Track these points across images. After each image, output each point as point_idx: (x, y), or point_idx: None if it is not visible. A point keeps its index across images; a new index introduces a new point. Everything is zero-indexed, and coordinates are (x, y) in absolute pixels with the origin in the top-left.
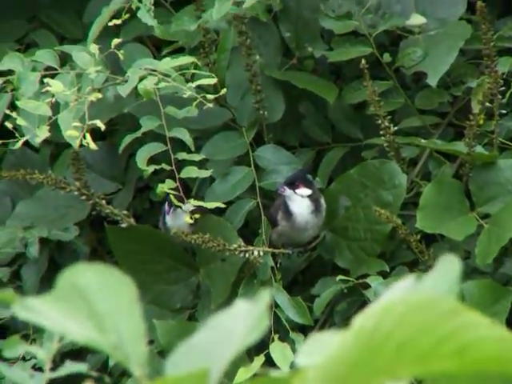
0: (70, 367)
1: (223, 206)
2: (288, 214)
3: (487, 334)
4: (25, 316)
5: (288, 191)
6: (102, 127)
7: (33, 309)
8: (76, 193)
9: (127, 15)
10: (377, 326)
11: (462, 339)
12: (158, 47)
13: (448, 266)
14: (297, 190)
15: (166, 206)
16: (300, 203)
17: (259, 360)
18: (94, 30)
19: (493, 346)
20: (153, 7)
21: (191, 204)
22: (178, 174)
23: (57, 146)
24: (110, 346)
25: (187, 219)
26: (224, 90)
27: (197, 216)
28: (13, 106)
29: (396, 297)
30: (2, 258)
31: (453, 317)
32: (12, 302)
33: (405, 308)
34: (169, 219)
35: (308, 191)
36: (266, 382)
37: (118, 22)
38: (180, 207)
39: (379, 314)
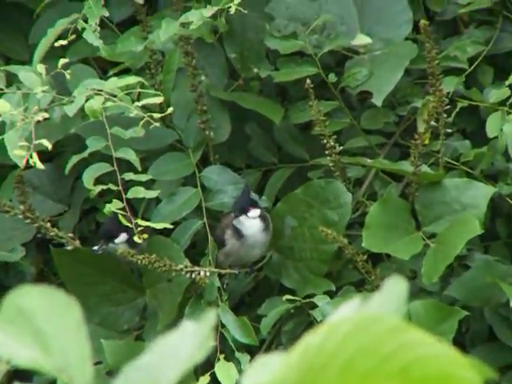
0: None
1: (171, 226)
2: (238, 234)
3: (431, 351)
4: None
5: (242, 217)
6: (49, 146)
7: None
8: (20, 216)
9: (73, 36)
10: (321, 346)
11: (406, 357)
12: (103, 69)
13: (394, 287)
14: (248, 214)
15: (95, 246)
16: (251, 223)
17: (205, 379)
18: (40, 51)
19: (437, 364)
20: (98, 28)
21: (125, 235)
22: (125, 194)
23: (2, 167)
24: (55, 369)
25: (136, 239)
26: (170, 109)
27: (145, 236)
28: None
29: (341, 317)
30: None
31: (396, 335)
32: None
33: (348, 327)
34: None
35: (257, 211)
36: None
37: (63, 42)
38: (113, 242)
39: (323, 334)
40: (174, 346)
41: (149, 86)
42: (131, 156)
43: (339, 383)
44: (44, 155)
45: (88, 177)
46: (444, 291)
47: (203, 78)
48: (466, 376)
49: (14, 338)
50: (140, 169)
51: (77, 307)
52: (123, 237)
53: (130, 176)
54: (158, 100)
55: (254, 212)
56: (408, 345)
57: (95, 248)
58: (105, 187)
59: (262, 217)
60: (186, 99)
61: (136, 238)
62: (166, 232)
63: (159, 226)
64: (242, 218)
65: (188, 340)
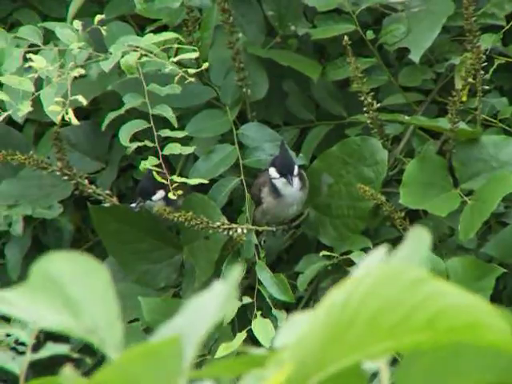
0: (52, 349)
1: (206, 182)
2: (275, 192)
3: (457, 301)
4: None
5: (282, 179)
6: (85, 102)
7: (3, 300)
8: (58, 173)
9: None
10: (347, 300)
11: (431, 309)
12: (141, 26)
13: (418, 239)
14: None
15: (133, 203)
16: (289, 184)
17: (241, 336)
18: (74, 6)
19: (464, 313)
20: None
21: (161, 192)
22: (162, 151)
23: (41, 124)
24: (85, 331)
25: (170, 195)
26: (206, 65)
27: (179, 192)
28: None
29: (365, 270)
30: None
31: (420, 287)
32: None
33: (373, 280)
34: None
35: (298, 170)
36: (243, 360)
37: None
38: (150, 199)
39: (349, 289)
40: (203, 304)
41: (186, 43)
42: (168, 113)
43: (366, 338)
44: (81, 112)
45: (124, 134)
46: (481, 249)
47: (240, 35)
48: (494, 323)
49: (43, 303)
50: (176, 126)
51: (105, 271)
52: (160, 194)
53: (166, 132)
54: (194, 55)
55: (296, 171)
56: (433, 296)
57: (133, 205)
58: (141, 144)
59: (299, 175)
60: (223, 56)
61: (170, 195)
62: (203, 190)
63: (194, 181)
64: (285, 180)
65: (216, 299)
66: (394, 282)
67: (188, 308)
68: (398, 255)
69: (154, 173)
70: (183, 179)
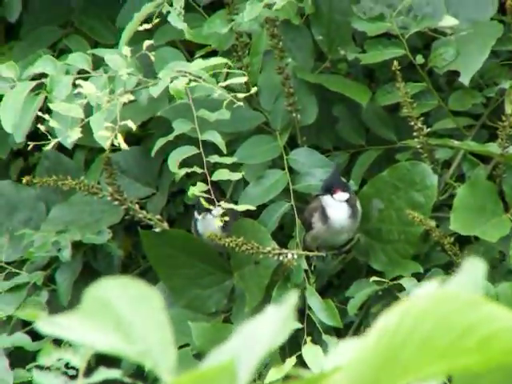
0: (104, 373)
1: (253, 208)
2: (325, 217)
3: (509, 324)
4: (49, 331)
5: (325, 196)
6: (134, 127)
7: (58, 325)
8: (109, 198)
9: (158, 20)
10: (399, 324)
11: (484, 331)
12: (191, 52)
13: (473, 268)
14: (334, 195)
15: (196, 213)
16: (337, 207)
17: (291, 362)
18: (126, 34)
19: None
20: (183, 11)
21: (221, 207)
22: (211, 177)
23: (91, 150)
24: (138, 354)
25: (217, 222)
26: (254, 89)
27: (227, 218)
28: (46, 110)
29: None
30: (36, 262)
31: (473, 309)
32: (36, 319)
33: (425, 304)
34: (199, 225)
35: (345, 195)
36: (295, 383)
37: (148, 26)
38: (210, 211)
39: (401, 312)
40: (257, 330)
41: (235, 68)
42: (217, 138)
43: (418, 361)
44: (131, 138)
45: (173, 160)
46: None
47: (290, 60)
48: None
49: (97, 327)
50: (226, 151)
51: (158, 296)
52: (218, 210)
53: (215, 158)
54: (243, 79)
55: (341, 195)
56: (486, 319)
57: (196, 215)
58: (189, 170)
59: (349, 202)
60: (272, 81)
61: (217, 221)
62: (253, 215)
63: (243, 207)
64: (327, 197)
65: (271, 323)
66: (447, 305)
67: (242, 333)
68: (452, 283)
69: (201, 199)
70: (231, 205)
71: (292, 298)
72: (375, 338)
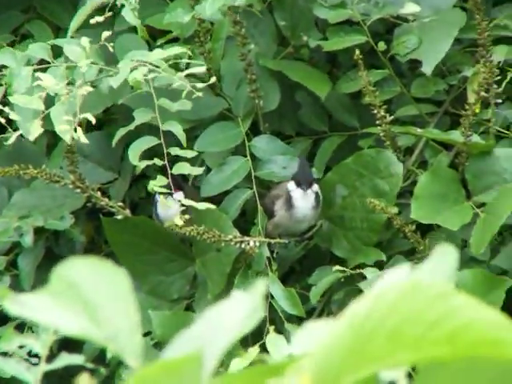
0: (66, 359)
1: (213, 207)
2: (289, 206)
3: (479, 316)
4: (17, 311)
5: (299, 190)
6: (93, 121)
7: (25, 304)
8: (71, 186)
9: (110, 13)
10: (368, 313)
11: (453, 323)
12: (154, 36)
13: (444, 256)
14: (308, 190)
15: (156, 196)
16: (304, 198)
17: (254, 351)
18: (75, 22)
19: (484, 329)
20: (138, 6)
21: (182, 192)
22: (171, 168)
23: (53, 135)
24: (104, 338)
25: (177, 220)
26: (213, 79)
27: (187, 217)
28: (6, 101)
29: (388, 284)
30: None
31: (443, 301)
32: (4, 297)
33: (395, 294)
34: (160, 209)
35: (316, 187)
36: (260, 370)
37: (100, 19)
38: (171, 194)
39: (371, 302)
40: (222, 317)
41: (198, 54)
42: (178, 130)
43: (387, 351)
44: (94, 123)
45: (134, 152)
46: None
47: (252, 46)
48: None
49: (63, 308)
50: (185, 144)
51: (126, 278)
52: (180, 195)
53: (176, 151)
54: (202, 69)
55: (314, 188)
56: (456, 310)
57: (156, 197)
58: (150, 163)
59: (315, 193)
60: (235, 68)
61: (177, 219)
62: (215, 201)
63: (201, 206)
64: (296, 189)
65: (238, 310)
66: (418, 295)
67: (206, 319)
68: (422, 271)
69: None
70: (191, 202)
71: (261, 285)
72: (344, 325)
